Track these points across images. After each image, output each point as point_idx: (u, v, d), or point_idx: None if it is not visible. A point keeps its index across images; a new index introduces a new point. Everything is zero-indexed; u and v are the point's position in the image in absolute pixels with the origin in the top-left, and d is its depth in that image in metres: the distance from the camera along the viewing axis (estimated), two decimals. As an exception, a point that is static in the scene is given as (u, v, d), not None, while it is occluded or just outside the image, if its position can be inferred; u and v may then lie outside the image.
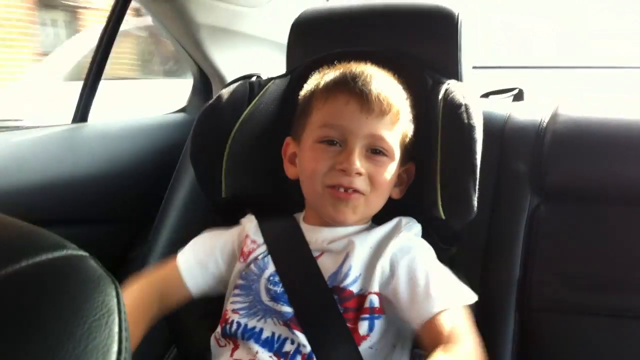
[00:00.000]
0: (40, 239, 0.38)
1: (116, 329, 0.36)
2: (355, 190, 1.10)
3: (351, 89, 1.12)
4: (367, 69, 1.17)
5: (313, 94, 1.19)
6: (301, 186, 1.18)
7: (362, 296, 1.07)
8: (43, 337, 0.33)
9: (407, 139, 1.17)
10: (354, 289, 1.08)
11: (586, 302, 1.22)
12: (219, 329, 1.11)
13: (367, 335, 1.05)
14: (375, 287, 1.07)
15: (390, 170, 1.13)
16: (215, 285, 1.20)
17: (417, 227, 1.17)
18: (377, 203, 1.15)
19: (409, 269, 1.07)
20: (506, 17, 3.37)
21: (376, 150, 1.12)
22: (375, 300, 1.06)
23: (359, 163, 1.09)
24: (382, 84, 1.14)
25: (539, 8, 3.47)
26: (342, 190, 1.10)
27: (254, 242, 1.18)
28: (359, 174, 1.09)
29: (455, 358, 0.95)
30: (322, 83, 1.18)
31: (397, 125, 1.14)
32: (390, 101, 1.12)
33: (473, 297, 1.06)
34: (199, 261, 1.20)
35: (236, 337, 1.08)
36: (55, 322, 0.34)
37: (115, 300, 0.37)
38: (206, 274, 1.19)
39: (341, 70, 1.17)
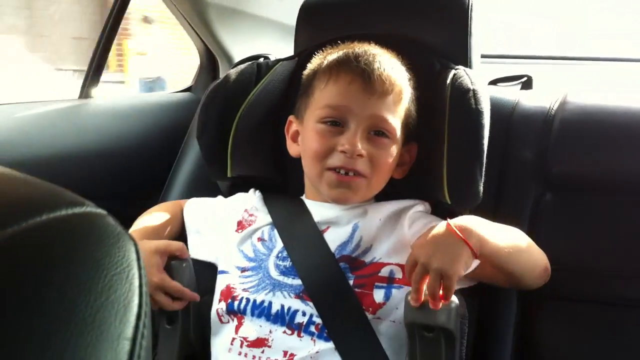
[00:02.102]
0: (59, 195, 0.38)
1: (137, 283, 0.36)
2: (357, 173, 1.11)
3: (354, 68, 1.12)
4: (370, 49, 1.17)
5: (316, 73, 1.19)
6: (303, 165, 1.20)
7: (376, 264, 1.08)
8: (65, 289, 0.34)
9: (410, 119, 1.18)
10: (366, 258, 1.09)
11: (589, 291, 1.22)
12: (223, 305, 1.12)
13: (384, 303, 1.05)
14: (395, 258, 1.08)
15: (392, 151, 1.14)
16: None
17: (427, 206, 1.19)
18: (379, 185, 1.17)
19: None
20: (506, 17, 3.38)
21: (378, 132, 1.12)
22: (396, 271, 1.08)
23: (360, 145, 1.09)
24: (385, 63, 1.14)
25: (539, 8, 3.49)
26: (342, 172, 1.11)
27: (251, 215, 1.20)
28: (361, 155, 1.10)
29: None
30: (325, 62, 1.18)
31: (400, 106, 1.14)
32: (392, 81, 1.13)
33: None
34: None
35: (244, 314, 1.09)
36: (76, 274, 0.34)
37: (135, 255, 0.38)
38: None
39: (344, 50, 1.18)
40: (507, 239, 1.06)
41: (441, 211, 1.18)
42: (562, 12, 3.43)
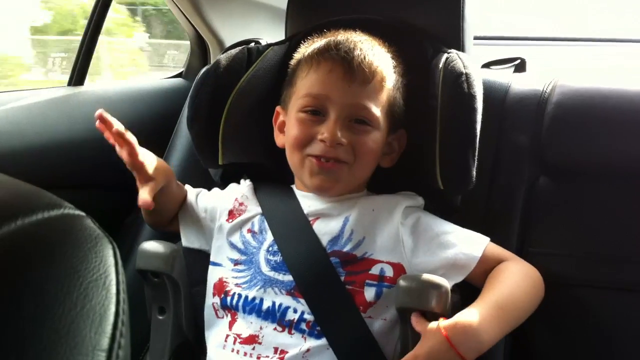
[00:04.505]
0: (36, 197, 0.37)
1: (114, 290, 0.35)
2: (339, 160, 1.10)
3: (334, 56, 1.11)
4: (351, 36, 1.16)
5: (299, 62, 1.18)
6: (286, 155, 1.19)
7: (368, 261, 1.07)
8: (39, 298, 0.33)
9: (395, 107, 1.17)
10: (358, 252, 1.08)
11: (582, 275, 1.22)
12: (217, 299, 1.11)
13: (374, 301, 1.05)
14: (387, 256, 1.08)
15: (374, 139, 1.12)
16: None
17: (420, 200, 1.18)
18: (363, 172, 1.15)
19: (436, 243, 1.09)
20: (506, 17, 3.36)
21: (359, 120, 1.11)
22: (388, 269, 1.07)
23: (340, 133, 1.08)
24: (366, 50, 1.12)
25: (539, 8, 3.47)
26: (323, 160, 1.10)
27: (242, 204, 1.20)
28: (340, 144, 1.09)
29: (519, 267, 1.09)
30: (307, 51, 1.17)
31: (382, 94, 1.13)
32: (374, 68, 1.11)
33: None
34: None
35: (236, 310, 1.08)
36: (51, 283, 0.33)
37: (113, 260, 0.37)
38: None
39: (327, 39, 1.17)
40: (507, 314, 1.00)
41: (433, 197, 1.18)
42: (562, 12, 3.41)
